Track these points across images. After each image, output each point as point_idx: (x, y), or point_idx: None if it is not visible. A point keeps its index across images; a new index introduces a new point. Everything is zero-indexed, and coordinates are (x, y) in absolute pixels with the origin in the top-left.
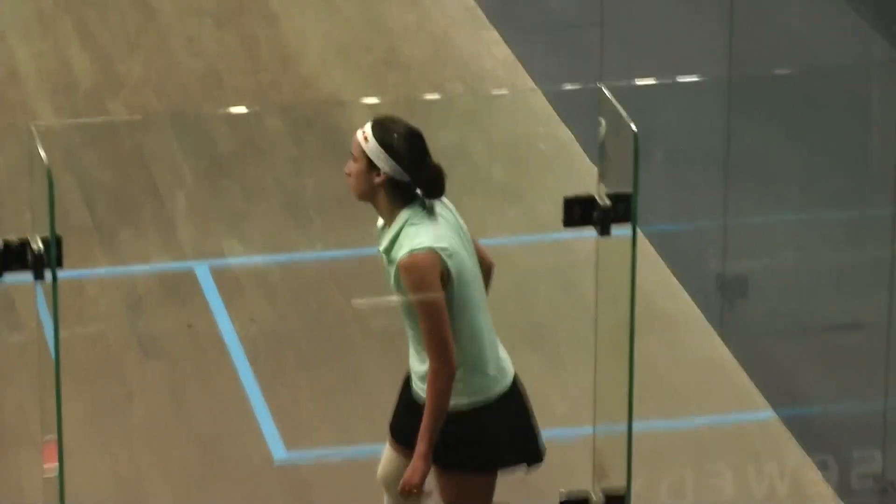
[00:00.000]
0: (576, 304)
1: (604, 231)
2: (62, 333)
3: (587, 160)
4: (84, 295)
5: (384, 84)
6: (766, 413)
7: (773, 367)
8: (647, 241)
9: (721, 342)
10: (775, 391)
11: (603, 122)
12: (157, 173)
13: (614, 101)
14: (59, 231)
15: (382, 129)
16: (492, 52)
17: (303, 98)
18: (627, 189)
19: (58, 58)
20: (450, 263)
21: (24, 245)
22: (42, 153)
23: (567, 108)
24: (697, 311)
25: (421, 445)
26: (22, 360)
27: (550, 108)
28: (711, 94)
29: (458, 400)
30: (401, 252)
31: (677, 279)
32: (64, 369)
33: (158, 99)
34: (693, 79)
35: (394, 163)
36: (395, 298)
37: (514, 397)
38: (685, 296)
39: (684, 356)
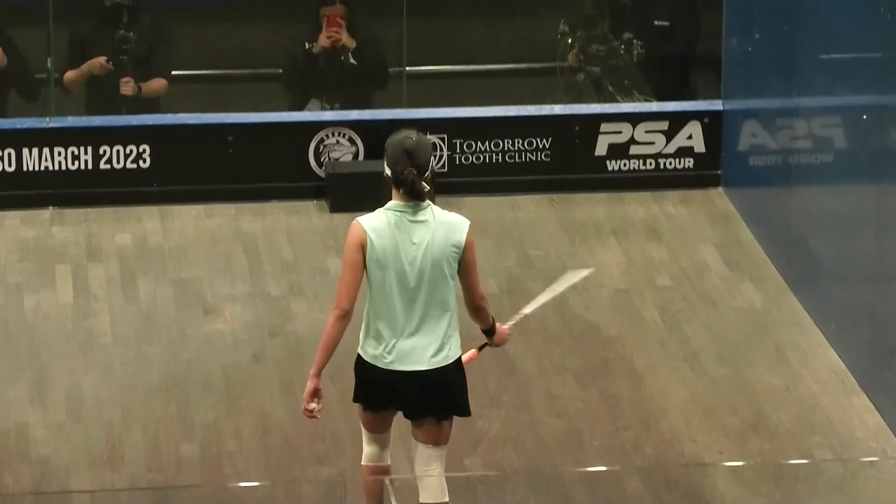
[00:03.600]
0: None
1: None
2: None
3: None
4: None
5: (749, 448)
6: None
7: None
8: None
9: None
10: None
11: None
12: None
13: None
14: None
15: (390, 137)
16: (863, 419)
17: (664, 459)
18: None
19: None
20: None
21: None
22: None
23: None
24: None
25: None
26: None
27: None
28: None
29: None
30: None
31: None
32: None
33: (517, 456)
34: None
35: (384, 162)
36: None
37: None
38: None
39: None
